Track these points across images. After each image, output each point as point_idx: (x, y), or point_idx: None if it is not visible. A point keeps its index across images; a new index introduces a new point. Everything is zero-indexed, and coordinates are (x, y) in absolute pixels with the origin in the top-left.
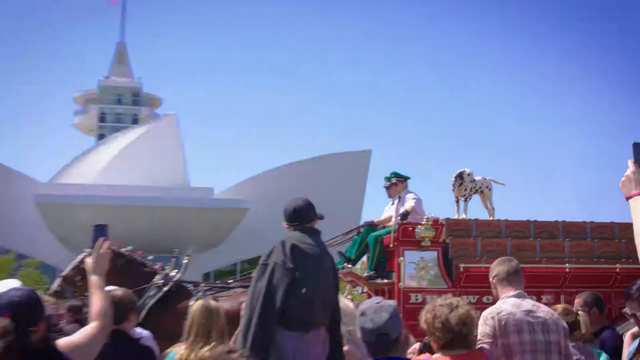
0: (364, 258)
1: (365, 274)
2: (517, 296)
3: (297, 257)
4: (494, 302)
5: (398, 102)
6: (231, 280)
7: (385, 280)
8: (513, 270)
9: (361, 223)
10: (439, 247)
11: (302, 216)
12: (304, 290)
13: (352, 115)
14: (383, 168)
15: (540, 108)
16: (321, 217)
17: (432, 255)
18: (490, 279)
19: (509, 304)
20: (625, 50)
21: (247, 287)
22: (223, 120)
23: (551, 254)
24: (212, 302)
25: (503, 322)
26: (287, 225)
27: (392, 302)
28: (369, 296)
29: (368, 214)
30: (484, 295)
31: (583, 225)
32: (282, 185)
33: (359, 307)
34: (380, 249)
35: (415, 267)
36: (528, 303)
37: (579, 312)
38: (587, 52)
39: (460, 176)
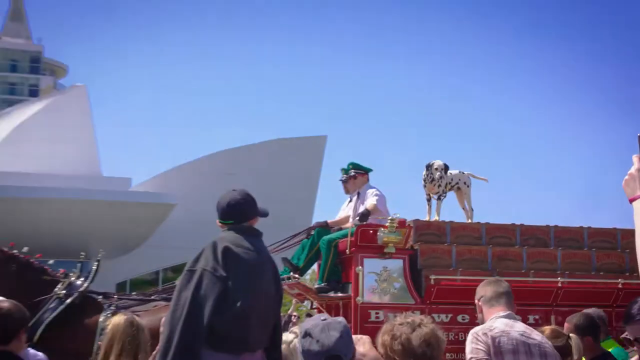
0: (315, 266)
1: (316, 286)
2: (508, 317)
3: (231, 263)
4: (471, 323)
5: (357, 84)
6: (151, 292)
7: (340, 294)
8: (504, 291)
9: (312, 224)
10: (406, 255)
11: (238, 212)
12: (237, 304)
13: (306, 99)
14: (340, 158)
15: (528, 92)
16: (264, 214)
17: (397, 264)
18: (476, 301)
19: (501, 323)
20: (627, 43)
21: (169, 299)
22: (146, 97)
23: (540, 265)
24: (137, 318)
25: (497, 340)
26: (220, 224)
27: (341, 319)
28: (320, 312)
29: (321, 213)
30: (458, 313)
31: (579, 231)
32: (217, 176)
33: (301, 327)
34: (335, 256)
35: (377, 279)
36: (520, 325)
37: (571, 335)
38: (582, 42)
39: (430, 169)
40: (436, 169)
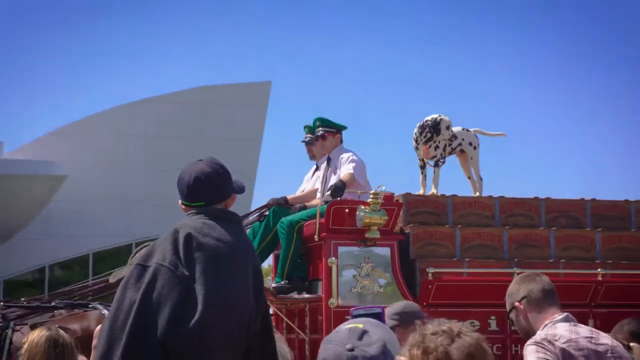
0: (270, 259)
1: (273, 285)
2: (567, 320)
3: (196, 258)
4: (482, 331)
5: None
6: (53, 295)
7: (306, 295)
8: (549, 287)
9: (268, 200)
10: (394, 241)
11: (210, 191)
12: (202, 312)
13: (247, 41)
14: (293, 114)
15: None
16: (240, 190)
17: (382, 253)
18: (516, 303)
19: (563, 329)
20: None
21: (77, 306)
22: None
23: (574, 252)
24: (62, 332)
25: (568, 352)
26: (184, 207)
27: (380, 333)
28: (277, 320)
29: (266, 185)
30: (465, 318)
31: (625, 206)
32: (124, 139)
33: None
34: (298, 244)
35: (356, 274)
36: (584, 329)
37: (632, 345)
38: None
39: (432, 126)
40: (433, 124)
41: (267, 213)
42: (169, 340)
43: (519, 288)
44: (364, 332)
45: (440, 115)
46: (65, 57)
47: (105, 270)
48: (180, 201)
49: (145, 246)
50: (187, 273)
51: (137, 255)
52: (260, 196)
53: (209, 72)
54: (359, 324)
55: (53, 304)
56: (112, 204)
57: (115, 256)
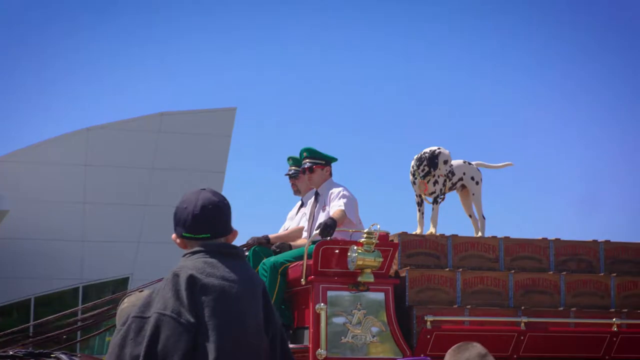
0: None
1: None
2: None
3: (202, 302)
4: None
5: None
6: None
7: (291, 345)
8: (484, 352)
9: (248, 239)
10: (389, 286)
11: (216, 222)
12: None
13: (214, 69)
14: (261, 142)
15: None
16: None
17: (376, 299)
18: None
19: None
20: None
21: (39, 355)
22: None
23: (586, 300)
24: None
25: None
26: (183, 240)
27: None
28: None
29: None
30: None
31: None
32: (71, 170)
33: None
34: (282, 288)
35: (347, 321)
36: None
37: None
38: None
39: (430, 159)
40: (430, 157)
41: (247, 253)
42: None
43: (455, 359)
44: None
45: (439, 148)
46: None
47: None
48: (174, 235)
49: (130, 294)
50: (192, 320)
51: (124, 305)
52: None
53: (166, 98)
54: None
55: (11, 353)
56: (58, 242)
57: (60, 301)
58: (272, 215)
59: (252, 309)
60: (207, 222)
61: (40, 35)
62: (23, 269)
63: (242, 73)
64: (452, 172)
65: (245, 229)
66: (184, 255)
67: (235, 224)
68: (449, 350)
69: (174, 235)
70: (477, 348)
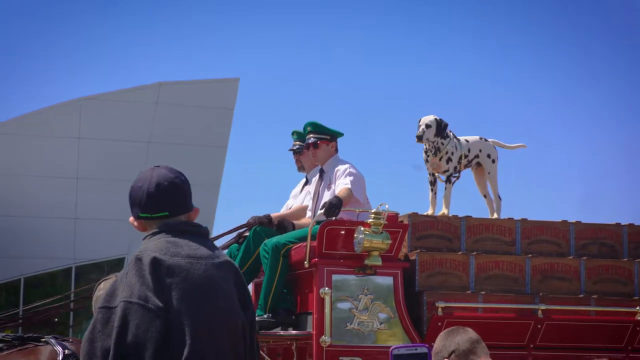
0: (250, 287)
1: (256, 318)
2: None
3: (170, 285)
4: None
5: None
6: None
7: (293, 331)
8: (476, 337)
9: (249, 218)
10: (398, 269)
11: (175, 198)
12: (192, 345)
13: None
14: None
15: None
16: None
17: (384, 283)
18: None
19: None
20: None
21: (28, 340)
22: None
23: (608, 286)
24: None
25: None
26: (141, 222)
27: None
28: None
29: (233, 198)
30: None
31: None
32: (62, 143)
33: None
34: (284, 271)
35: (352, 307)
36: None
37: None
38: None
39: (438, 128)
40: (438, 127)
41: (247, 234)
42: None
43: (445, 343)
44: None
45: (438, 118)
46: None
47: (37, 299)
48: (132, 218)
49: (106, 279)
50: (161, 304)
51: (100, 292)
52: (224, 212)
53: (165, 67)
54: None
55: None
56: (48, 219)
57: (51, 283)
58: (277, 194)
59: (223, 288)
60: (164, 199)
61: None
62: (11, 248)
63: (246, 41)
64: (469, 149)
65: (247, 209)
66: (145, 238)
67: (236, 203)
68: (440, 334)
69: (131, 218)
70: (469, 333)
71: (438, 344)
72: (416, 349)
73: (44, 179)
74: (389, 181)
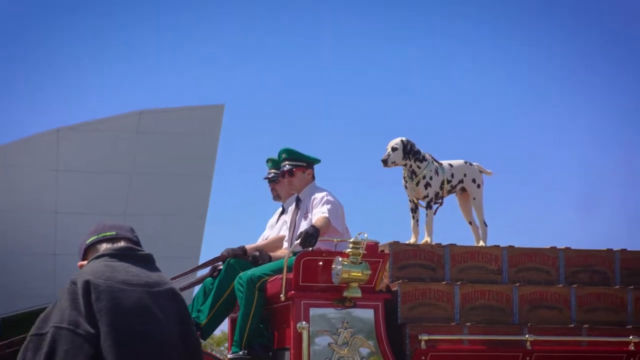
0: (226, 323)
1: (230, 355)
2: None
3: (100, 310)
4: None
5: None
6: None
7: None
8: None
9: (222, 251)
10: (379, 301)
11: (116, 226)
12: None
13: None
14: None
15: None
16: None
17: (364, 316)
18: None
19: None
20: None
21: None
22: None
23: (600, 315)
24: None
25: None
26: (87, 252)
27: None
28: None
29: (219, 229)
30: None
31: None
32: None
33: None
34: (260, 305)
35: (332, 342)
36: None
37: None
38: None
39: (404, 150)
40: (411, 150)
41: (221, 267)
42: None
43: None
44: None
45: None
46: None
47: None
48: (79, 263)
49: None
50: (92, 330)
51: None
52: (211, 244)
53: (146, 96)
54: None
55: None
56: (27, 257)
57: (28, 323)
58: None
59: (157, 317)
60: (112, 224)
61: (8, 28)
62: None
63: (230, 67)
64: (452, 174)
65: (235, 239)
66: (88, 262)
67: (223, 233)
68: None
69: (79, 263)
70: None
71: None
72: None
73: (20, 213)
74: (370, 209)
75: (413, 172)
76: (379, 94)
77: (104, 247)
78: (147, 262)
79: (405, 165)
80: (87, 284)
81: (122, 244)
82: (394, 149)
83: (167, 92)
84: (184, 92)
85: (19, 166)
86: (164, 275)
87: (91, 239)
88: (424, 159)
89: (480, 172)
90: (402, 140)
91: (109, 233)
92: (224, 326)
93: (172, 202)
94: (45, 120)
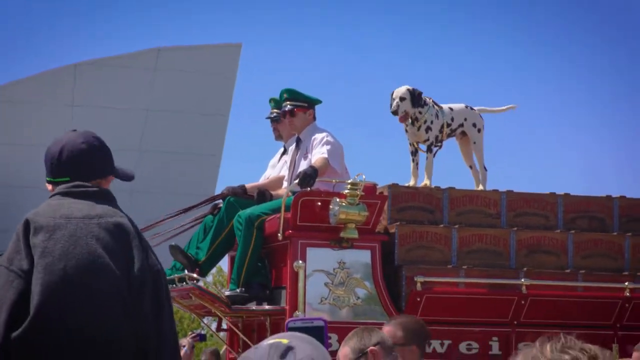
0: (225, 260)
1: (227, 292)
2: None
3: (35, 246)
4: (481, 355)
5: None
6: None
7: (267, 306)
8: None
9: (222, 190)
10: (376, 242)
11: (77, 164)
12: (37, 307)
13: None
14: (268, 82)
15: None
16: (125, 177)
17: (361, 257)
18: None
19: None
20: None
21: None
22: None
23: (597, 261)
24: None
25: None
26: (48, 185)
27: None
28: (232, 338)
29: (234, 169)
30: (460, 340)
31: None
32: (56, 111)
33: None
34: (259, 244)
35: (328, 281)
36: None
37: None
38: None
39: (412, 98)
40: (412, 97)
41: (221, 205)
42: (9, 347)
43: (365, 337)
44: (288, 349)
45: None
46: None
47: None
48: (46, 179)
49: None
50: (26, 267)
51: None
52: (226, 182)
53: (165, 32)
54: (283, 339)
55: None
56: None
57: None
58: None
59: (91, 246)
60: (65, 165)
61: None
62: (8, 220)
63: (248, 5)
64: (452, 118)
65: (250, 178)
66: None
67: (237, 173)
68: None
69: (47, 184)
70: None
71: (350, 339)
72: (312, 322)
73: (36, 147)
74: (370, 151)
75: (415, 118)
76: (393, 38)
77: (59, 186)
78: (101, 198)
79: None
80: (27, 222)
81: (84, 182)
82: (402, 99)
83: (185, 30)
84: (203, 30)
85: (36, 101)
86: (113, 209)
87: (49, 179)
88: (425, 104)
89: (487, 112)
90: (408, 89)
91: (63, 179)
92: (224, 264)
93: (188, 140)
94: (64, 57)
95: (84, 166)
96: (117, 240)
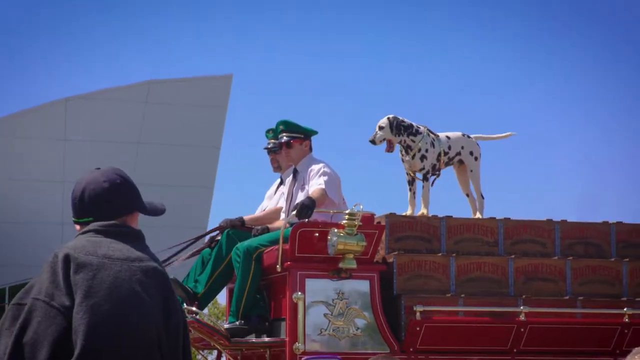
0: (223, 293)
1: (226, 325)
2: None
3: (77, 283)
4: None
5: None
6: None
7: (267, 338)
8: None
9: (220, 222)
10: (375, 273)
11: (100, 204)
12: (83, 345)
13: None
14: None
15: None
16: (155, 211)
17: (360, 288)
18: None
19: None
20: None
21: None
22: None
23: (595, 287)
24: None
25: None
26: (76, 225)
27: None
28: None
29: (226, 200)
30: None
31: None
32: (50, 145)
33: None
34: (257, 276)
35: (327, 312)
36: None
37: None
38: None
39: (391, 126)
40: (403, 126)
41: (219, 237)
42: None
43: None
44: None
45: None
46: None
47: None
48: (72, 219)
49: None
50: (67, 303)
51: None
52: (218, 214)
53: (155, 65)
54: None
55: None
56: (35, 225)
57: None
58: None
59: (135, 290)
60: (88, 205)
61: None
62: None
63: (238, 37)
64: (449, 146)
65: (242, 209)
66: (75, 237)
67: (230, 205)
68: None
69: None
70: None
71: None
72: (327, 358)
73: (29, 183)
74: (367, 182)
75: (408, 147)
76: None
77: (92, 222)
78: (135, 239)
79: (400, 141)
80: (66, 257)
81: (111, 221)
82: (380, 128)
83: (176, 63)
84: (193, 62)
85: (27, 136)
86: (148, 255)
87: (74, 220)
88: (417, 132)
89: (484, 140)
90: (388, 118)
91: (86, 219)
92: (222, 296)
93: (180, 173)
94: (55, 91)
95: (105, 205)
96: (156, 286)
